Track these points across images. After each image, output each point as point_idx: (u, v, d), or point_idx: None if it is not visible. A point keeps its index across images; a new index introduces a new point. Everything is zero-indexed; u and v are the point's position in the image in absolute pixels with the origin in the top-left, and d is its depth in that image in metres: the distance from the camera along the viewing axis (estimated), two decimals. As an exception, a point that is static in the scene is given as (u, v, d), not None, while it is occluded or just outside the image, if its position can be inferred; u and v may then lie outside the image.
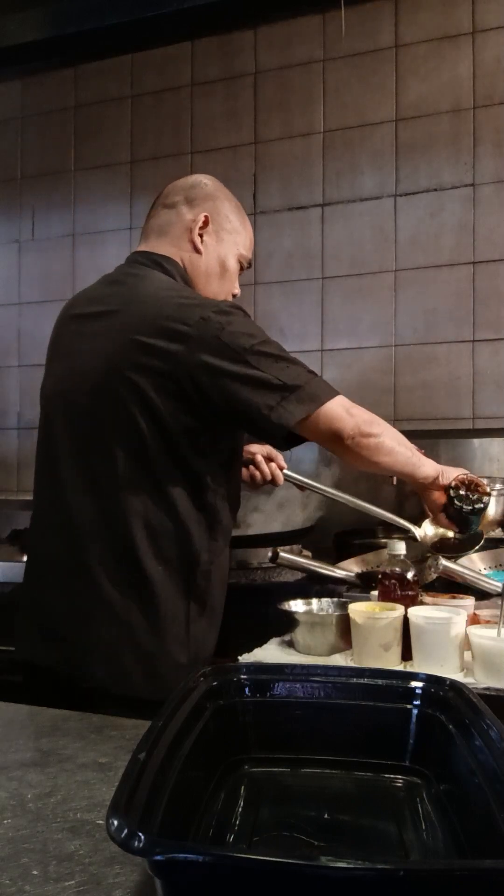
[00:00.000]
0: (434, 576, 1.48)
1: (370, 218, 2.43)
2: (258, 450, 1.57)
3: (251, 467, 1.57)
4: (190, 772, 0.61)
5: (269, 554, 1.63)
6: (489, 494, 1.42)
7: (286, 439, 1.28)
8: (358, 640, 1.26)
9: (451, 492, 1.41)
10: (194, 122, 2.66)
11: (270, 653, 1.35)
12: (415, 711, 0.74)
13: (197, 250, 1.42)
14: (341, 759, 0.74)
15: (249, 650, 1.34)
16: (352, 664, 1.27)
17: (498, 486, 1.55)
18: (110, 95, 2.78)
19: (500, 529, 1.71)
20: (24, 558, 1.75)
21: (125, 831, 0.47)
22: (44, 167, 2.89)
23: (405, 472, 1.39)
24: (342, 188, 2.47)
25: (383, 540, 1.79)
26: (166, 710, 0.67)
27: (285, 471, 1.60)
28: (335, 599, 1.45)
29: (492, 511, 1.53)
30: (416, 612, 1.24)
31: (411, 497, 1.96)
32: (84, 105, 2.83)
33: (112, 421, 1.27)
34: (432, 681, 0.76)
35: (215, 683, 0.76)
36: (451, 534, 1.50)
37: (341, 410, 1.29)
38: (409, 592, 1.33)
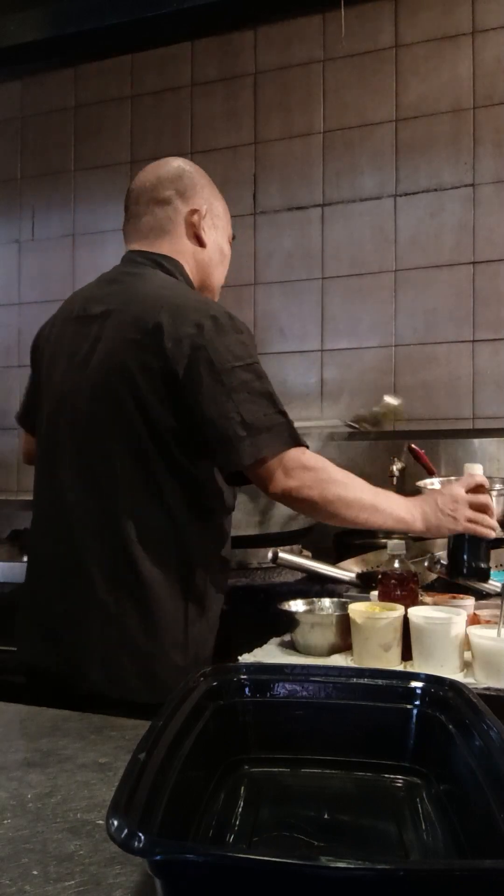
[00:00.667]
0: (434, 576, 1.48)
1: (370, 218, 2.44)
2: None
3: None
4: (190, 772, 0.61)
5: (269, 554, 1.63)
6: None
7: (232, 476, 1.27)
8: (358, 640, 1.26)
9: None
10: (194, 123, 2.66)
11: (270, 653, 1.35)
12: (415, 711, 0.74)
13: (202, 244, 1.43)
14: (341, 759, 0.74)
15: (249, 650, 1.34)
16: (352, 664, 1.27)
17: (498, 486, 1.55)
18: (110, 95, 2.79)
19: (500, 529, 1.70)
20: (25, 558, 1.75)
21: (125, 831, 0.47)
22: (44, 167, 2.89)
23: (384, 527, 1.34)
24: (342, 188, 2.47)
25: (383, 540, 1.79)
26: (166, 710, 0.67)
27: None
28: (335, 599, 1.45)
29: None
30: (416, 613, 1.23)
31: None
32: (84, 105, 2.83)
33: (111, 421, 1.27)
34: (432, 681, 0.76)
35: (215, 683, 0.76)
36: None
37: (290, 465, 1.22)
38: (409, 592, 1.33)
